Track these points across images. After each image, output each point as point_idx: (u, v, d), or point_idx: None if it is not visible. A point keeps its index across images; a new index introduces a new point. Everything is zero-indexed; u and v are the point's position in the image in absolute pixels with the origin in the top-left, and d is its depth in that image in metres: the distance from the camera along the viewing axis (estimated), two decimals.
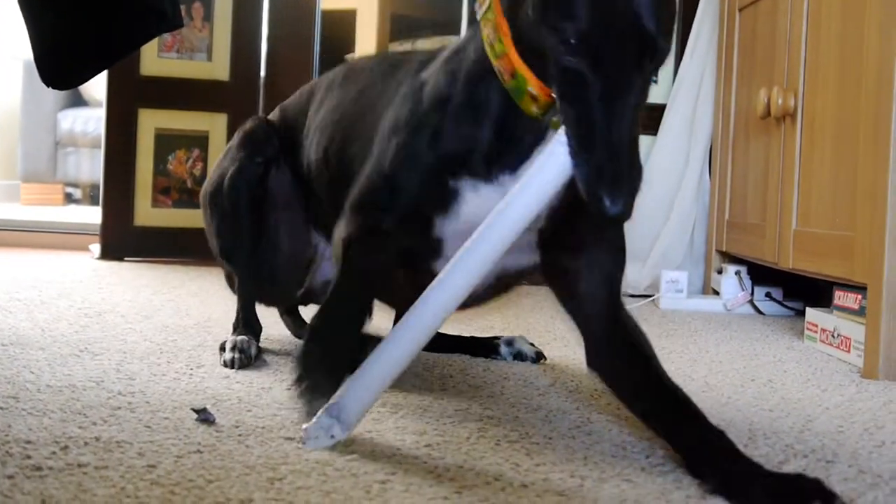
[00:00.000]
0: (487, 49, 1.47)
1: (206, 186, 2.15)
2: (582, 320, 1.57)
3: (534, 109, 1.44)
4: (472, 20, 1.56)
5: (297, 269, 2.12)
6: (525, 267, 1.64)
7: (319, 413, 1.36)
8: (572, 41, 1.27)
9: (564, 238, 1.56)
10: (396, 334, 1.37)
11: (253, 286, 2.11)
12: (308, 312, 2.24)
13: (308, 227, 2.10)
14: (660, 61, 1.32)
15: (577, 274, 1.56)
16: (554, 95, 1.34)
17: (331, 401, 1.37)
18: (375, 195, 1.60)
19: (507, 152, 1.49)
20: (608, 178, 1.24)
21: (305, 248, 2.11)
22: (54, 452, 1.26)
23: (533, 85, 1.42)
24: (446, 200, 1.53)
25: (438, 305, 1.36)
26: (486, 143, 1.50)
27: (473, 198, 1.51)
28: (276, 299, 2.20)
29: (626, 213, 1.24)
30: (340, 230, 1.63)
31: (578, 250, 1.56)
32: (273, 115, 2.22)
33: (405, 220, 1.56)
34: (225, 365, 1.90)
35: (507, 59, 1.44)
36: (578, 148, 1.27)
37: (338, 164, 1.89)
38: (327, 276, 2.13)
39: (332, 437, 1.35)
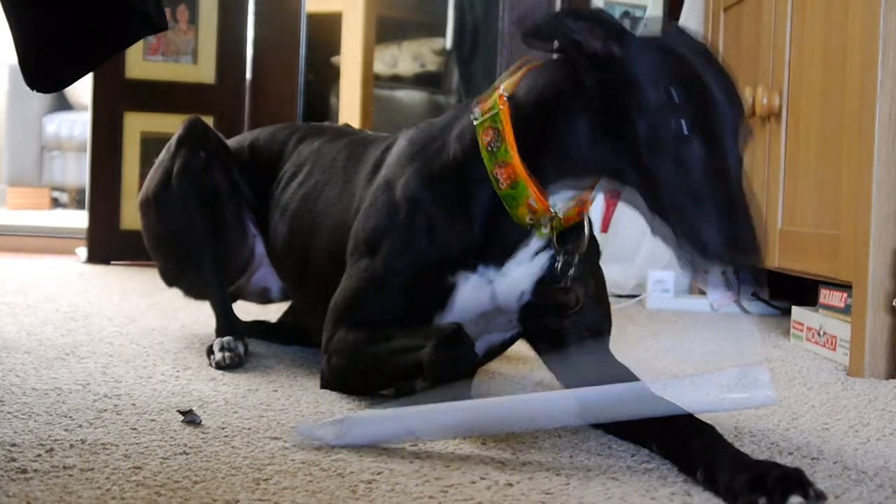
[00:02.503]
0: (485, 155, 1.52)
1: (149, 188, 2.16)
2: (571, 376, 1.61)
3: (527, 220, 1.51)
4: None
5: (234, 266, 2.15)
6: (508, 339, 1.73)
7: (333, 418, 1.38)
8: (683, 120, 1.32)
9: (548, 302, 1.60)
10: (450, 408, 1.37)
11: (221, 284, 2.11)
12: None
13: (246, 225, 2.15)
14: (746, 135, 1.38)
15: (564, 332, 1.62)
16: (644, 193, 1.38)
17: (349, 413, 1.39)
18: (371, 297, 1.63)
19: (493, 249, 1.56)
20: (742, 248, 1.28)
21: (243, 246, 2.15)
22: (39, 455, 1.26)
23: (535, 197, 1.49)
24: (444, 296, 1.59)
25: (493, 416, 1.36)
26: (476, 241, 1.56)
27: (465, 289, 1.58)
28: (208, 292, 2.16)
29: (762, 282, 1.30)
30: (338, 334, 1.66)
31: (565, 312, 1.60)
32: (235, 143, 2.27)
33: (402, 319, 1.60)
34: (218, 366, 1.90)
35: (511, 169, 1.50)
36: (704, 227, 1.30)
37: (301, 253, 1.96)
38: (264, 283, 2.17)
39: (321, 437, 1.35)
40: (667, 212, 1.34)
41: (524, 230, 1.55)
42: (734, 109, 1.35)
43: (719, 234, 1.29)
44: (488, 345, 1.70)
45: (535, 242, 1.57)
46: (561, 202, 1.52)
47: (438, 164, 1.61)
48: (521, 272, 1.58)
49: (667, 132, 1.33)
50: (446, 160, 1.60)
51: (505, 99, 1.53)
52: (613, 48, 1.38)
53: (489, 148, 1.52)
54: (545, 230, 1.53)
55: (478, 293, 1.58)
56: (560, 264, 1.56)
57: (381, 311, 1.62)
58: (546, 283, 1.58)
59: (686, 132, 1.32)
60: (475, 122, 1.55)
